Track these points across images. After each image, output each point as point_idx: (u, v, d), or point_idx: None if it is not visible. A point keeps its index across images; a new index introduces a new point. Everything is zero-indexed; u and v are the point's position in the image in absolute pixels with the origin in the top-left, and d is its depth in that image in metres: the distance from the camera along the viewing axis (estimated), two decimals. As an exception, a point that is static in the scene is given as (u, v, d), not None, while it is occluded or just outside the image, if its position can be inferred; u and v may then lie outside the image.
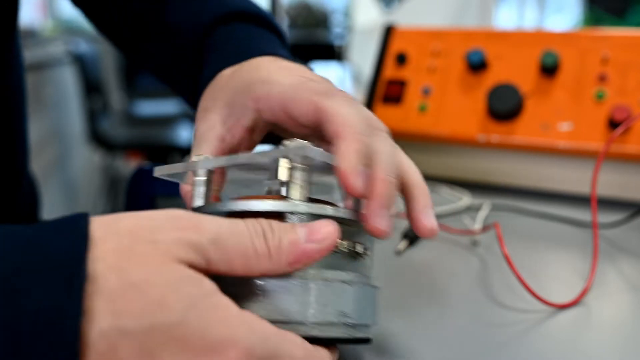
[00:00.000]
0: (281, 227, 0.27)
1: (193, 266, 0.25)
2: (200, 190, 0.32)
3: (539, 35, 0.70)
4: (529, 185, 0.67)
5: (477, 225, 0.56)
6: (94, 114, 2.51)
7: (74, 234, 0.24)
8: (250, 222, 0.27)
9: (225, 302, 0.25)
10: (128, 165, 2.88)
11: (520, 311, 0.41)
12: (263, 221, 0.27)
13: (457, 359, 0.36)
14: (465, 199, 0.64)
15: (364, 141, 0.30)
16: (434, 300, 0.43)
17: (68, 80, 2.53)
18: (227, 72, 0.40)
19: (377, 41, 0.78)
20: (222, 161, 0.32)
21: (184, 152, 2.40)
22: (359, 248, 0.31)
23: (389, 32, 0.77)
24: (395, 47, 0.75)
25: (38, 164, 2.16)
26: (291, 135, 0.35)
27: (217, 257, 0.26)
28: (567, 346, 0.37)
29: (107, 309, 0.23)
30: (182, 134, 2.60)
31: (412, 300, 0.43)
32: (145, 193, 0.53)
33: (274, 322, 0.27)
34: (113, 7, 0.53)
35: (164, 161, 2.54)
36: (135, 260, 0.24)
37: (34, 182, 0.61)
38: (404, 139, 0.67)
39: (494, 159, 0.68)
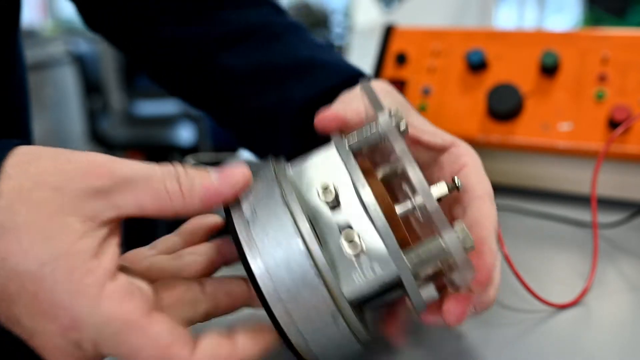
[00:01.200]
0: (194, 171, 0.28)
1: (99, 215, 0.26)
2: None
3: (539, 35, 0.70)
4: (529, 185, 0.67)
5: (477, 225, 0.56)
6: (94, 114, 2.52)
7: None
8: (165, 166, 0.28)
9: (86, 269, 0.25)
10: (128, 165, 2.87)
11: (520, 311, 0.41)
12: (177, 166, 0.28)
13: (457, 358, 0.36)
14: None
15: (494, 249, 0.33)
16: (434, 300, 0.43)
17: (68, 80, 2.53)
18: None
19: (377, 41, 0.78)
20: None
21: (184, 151, 2.40)
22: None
23: (389, 32, 0.77)
24: (395, 47, 0.75)
25: (38, 164, 2.14)
26: None
27: (126, 200, 0.26)
28: (567, 346, 0.37)
29: None
30: (182, 133, 2.60)
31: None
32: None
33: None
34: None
35: (164, 161, 2.53)
36: (28, 204, 0.25)
37: None
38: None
39: (494, 159, 0.68)
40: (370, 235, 0.29)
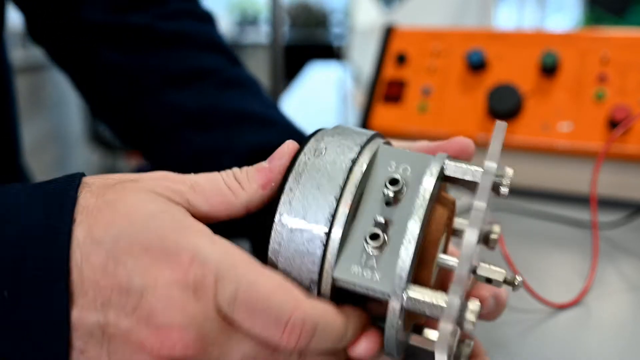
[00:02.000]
0: (248, 167, 0.31)
1: (173, 201, 0.28)
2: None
3: (539, 36, 0.70)
4: (529, 185, 0.67)
5: (477, 225, 0.56)
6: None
7: (68, 179, 0.28)
8: (224, 171, 0.31)
9: (190, 221, 0.28)
10: (128, 165, 2.88)
11: (520, 311, 0.41)
12: (234, 168, 0.31)
13: (457, 359, 0.36)
14: (465, 198, 0.64)
15: None
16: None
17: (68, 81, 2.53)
18: None
19: (377, 41, 0.78)
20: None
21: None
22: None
23: (389, 32, 0.77)
24: (395, 47, 0.75)
25: (38, 164, 2.16)
26: None
27: (197, 199, 0.29)
28: (567, 346, 0.37)
29: (84, 223, 0.26)
30: (182, 134, 2.60)
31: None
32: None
33: None
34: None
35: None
36: (115, 188, 0.28)
37: (29, 180, 0.61)
38: (403, 139, 0.66)
39: (494, 159, 0.68)
40: (395, 245, 0.28)
